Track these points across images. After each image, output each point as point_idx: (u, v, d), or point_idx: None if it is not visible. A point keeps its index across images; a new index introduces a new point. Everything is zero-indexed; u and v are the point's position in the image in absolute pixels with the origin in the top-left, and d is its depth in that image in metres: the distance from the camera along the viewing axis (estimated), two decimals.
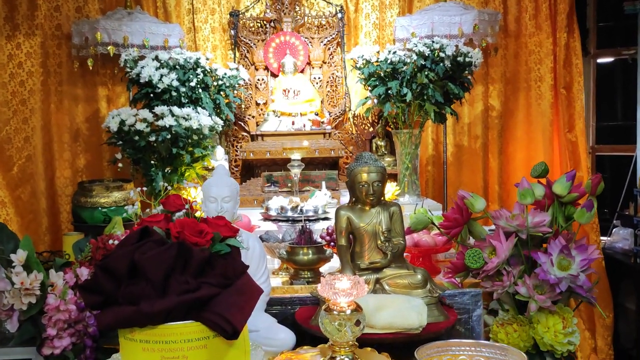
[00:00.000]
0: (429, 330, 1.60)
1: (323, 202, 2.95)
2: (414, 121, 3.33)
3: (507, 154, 4.03)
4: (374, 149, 3.71)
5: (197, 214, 1.44)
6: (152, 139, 2.86)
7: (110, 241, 2.33)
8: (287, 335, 1.65)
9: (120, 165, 2.97)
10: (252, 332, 1.55)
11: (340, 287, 1.36)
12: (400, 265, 1.74)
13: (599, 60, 4.49)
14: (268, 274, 1.76)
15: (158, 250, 1.29)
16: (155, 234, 1.35)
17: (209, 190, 1.73)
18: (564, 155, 3.96)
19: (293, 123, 3.57)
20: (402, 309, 1.56)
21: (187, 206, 1.42)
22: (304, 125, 3.58)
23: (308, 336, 1.72)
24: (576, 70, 3.92)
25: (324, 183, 3.23)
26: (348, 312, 1.36)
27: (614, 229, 4.12)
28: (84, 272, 2.24)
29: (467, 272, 2.33)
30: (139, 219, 2.98)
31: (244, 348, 1.32)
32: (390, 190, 3.17)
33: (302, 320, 1.72)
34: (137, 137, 2.89)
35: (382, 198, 1.77)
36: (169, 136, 2.86)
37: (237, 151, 3.72)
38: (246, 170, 3.69)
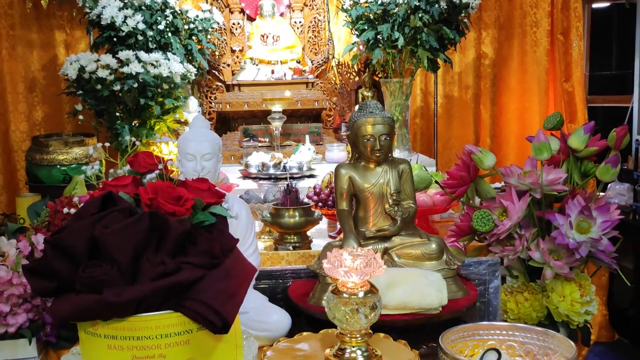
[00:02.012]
0: (448, 308, 1.36)
1: (308, 157, 2.68)
2: (405, 69, 3.05)
3: (500, 105, 3.78)
4: (360, 99, 3.43)
5: (173, 176, 1.17)
6: (117, 88, 2.54)
7: (71, 207, 2.05)
8: (281, 317, 1.40)
9: (81, 117, 2.66)
10: (240, 314, 1.29)
11: (352, 265, 1.11)
12: (411, 232, 1.49)
13: (594, 5, 4.23)
14: (256, 245, 1.49)
15: (125, 222, 1.02)
16: (122, 201, 1.08)
17: (186, 146, 1.44)
18: (559, 106, 3.72)
19: (273, 72, 3.27)
20: (418, 286, 1.32)
21: (160, 166, 1.14)
22: (285, 75, 3.27)
23: (303, 315, 1.48)
24: (574, 14, 3.66)
25: (307, 137, 2.95)
26: (361, 294, 1.12)
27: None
28: (40, 240, 1.96)
29: (472, 235, 2.10)
30: (101, 182, 2.68)
31: (234, 341, 1.07)
32: None
33: (297, 297, 1.47)
34: (99, 86, 2.57)
35: (390, 154, 1.51)
36: (135, 85, 2.55)
37: (211, 103, 3.41)
38: (221, 124, 3.39)
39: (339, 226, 2.47)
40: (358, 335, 1.13)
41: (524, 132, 3.77)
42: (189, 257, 1.05)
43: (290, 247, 2.25)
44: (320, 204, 2.39)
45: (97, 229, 1.01)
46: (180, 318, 1.00)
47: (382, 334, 1.23)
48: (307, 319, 1.47)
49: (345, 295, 1.12)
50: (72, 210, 1.58)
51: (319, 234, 2.43)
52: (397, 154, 3.07)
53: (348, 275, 1.10)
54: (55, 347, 2.07)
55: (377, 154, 1.47)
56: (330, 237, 2.40)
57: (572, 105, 3.69)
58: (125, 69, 2.55)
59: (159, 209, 1.07)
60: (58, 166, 2.26)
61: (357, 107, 1.49)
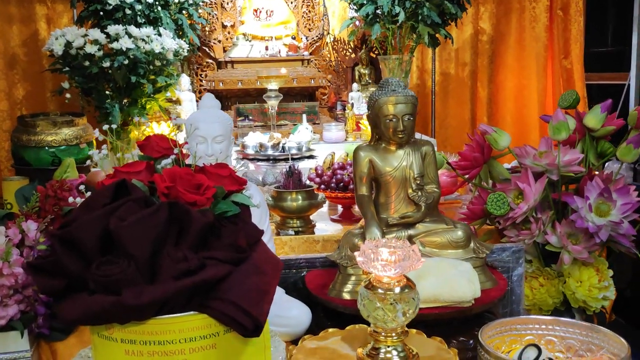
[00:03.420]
0: (479, 301, 1.28)
1: (307, 138, 2.57)
2: (405, 46, 2.94)
3: (497, 83, 3.69)
4: (356, 77, 3.32)
5: (190, 162, 1.06)
6: (106, 65, 2.41)
7: (63, 191, 1.93)
8: (301, 312, 1.30)
9: (68, 96, 2.52)
10: None
11: (389, 258, 1.01)
12: (435, 219, 1.40)
13: None
14: (271, 233, 1.39)
15: (142, 214, 0.91)
16: (136, 190, 0.97)
17: (197, 127, 1.33)
18: (557, 84, 3.65)
19: (267, 48, 3.14)
20: (449, 277, 1.23)
21: (176, 150, 1.03)
22: (279, 51, 3.15)
23: (320, 308, 1.38)
24: None
25: (304, 116, 2.84)
26: (397, 290, 1.02)
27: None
28: (32, 227, 1.84)
29: (484, 219, 2.02)
30: (92, 164, 2.54)
31: (263, 343, 0.97)
32: None
33: (315, 289, 1.37)
34: (87, 63, 2.43)
35: (412, 136, 1.41)
36: (126, 62, 2.42)
37: (201, 80, 3.28)
38: None
39: (340, 209, 2.37)
40: (394, 334, 1.04)
41: (522, 110, 3.69)
42: (212, 251, 0.94)
43: (292, 232, 2.14)
44: (322, 186, 2.29)
45: (111, 222, 0.90)
46: (206, 320, 0.90)
47: (414, 330, 1.15)
48: (325, 311, 1.38)
49: (380, 291, 1.02)
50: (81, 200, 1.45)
51: (321, 218, 2.33)
52: None
53: (386, 270, 1.00)
54: (48, 339, 1.97)
55: (400, 136, 1.37)
56: (333, 220, 2.31)
57: (570, 82, 3.62)
58: (115, 45, 2.41)
59: (177, 199, 0.97)
60: (46, 148, 2.13)
61: (379, 84, 1.39)
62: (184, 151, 1.12)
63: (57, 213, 1.93)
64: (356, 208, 2.36)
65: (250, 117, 2.87)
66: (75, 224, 0.92)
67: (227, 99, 3.08)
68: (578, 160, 1.86)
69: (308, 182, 2.27)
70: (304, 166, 2.46)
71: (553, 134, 1.89)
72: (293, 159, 2.41)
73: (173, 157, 1.02)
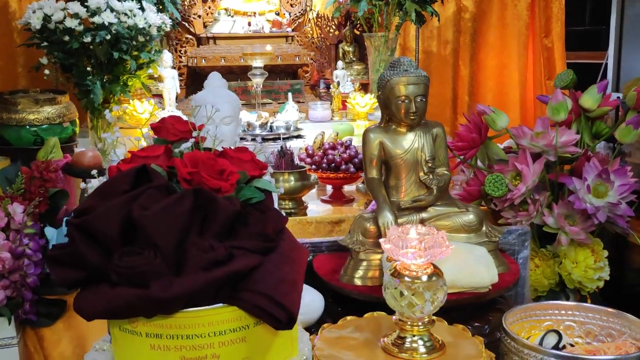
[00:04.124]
0: (495, 286, 1.26)
1: (295, 117, 2.52)
2: (391, 23, 2.90)
3: (478, 61, 3.67)
4: (340, 55, 3.26)
5: (208, 145, 1.01)
6: (88, 40, 2.31)
7: (49, 172, 1.86)
8: (314, 298, 1.26)
9: (46, 72, 2.42)
10: None
11: (419, 246, 0.98)
12: (446, 202, 1.38)
13: None
14: None
15: (166, 202, 0.86)
16: (157, 176, 0.92)
17: (202, 107, 1.27)
18: (538, 63, 3.64)
19: (249, 24, 3.06)
20: (466, 262, 1.21)
21: (195, 133, 0.98)
22: (262, 27, 3.07)
23: (329, 293, 1.35)
24: None
25: (290, 95, 2.79)
26: (424, 278, 0.99)
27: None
28: (18, 210, 1.78)
29: (480, 200, 2.01)
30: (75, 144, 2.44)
31: (290, 334, 0.94)
32: (369, 103, 2.77)
33: (325, 274, 1.34)
34: (67, 38, 2.33)
35: (423, 117, 1.38)
36: (108, 37, 2.32)
37: (180, 56, 3.19)
38: (192, 80, 3.18)
39: (330, 190, 2.34)
40: (420, 323, 1.01)
41: (502, 89, 3.68)
42: (239, 240, 0.90)
43: (284, 214, 2.10)
44: (314, 166, 2.25)
45: (134, 210, 0.85)
46: (235, 312, 0.86)
47: (434, 317, 1.12)
48: (334, 297, 1.35)
49: (407, 279, 0.99)
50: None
51: (310, 198, 2.29)
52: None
53: (416, 258, 0.97)
54: (35, 325, 1.90)
55: (412, 117, 1.33)
56: (324, 201, 2.27)
57: (551, 61, 3.61)
58: (96, 19, 2.31)
59: (200, 185, 0.92)
60: (28, 127, 2.04)
61: (390, 63, 1.35)
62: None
63: (44, 195, 1.86)
64: (346, 188, 2.33)
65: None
66: (95, 212, 0.87)
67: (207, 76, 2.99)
68: (574, 141, 1.86)
69: (299, 162, 2.22)
70: (293, 146, 2.42)
71: (552, 114, 1.88)
72: (281, 139, 2.36)
73: (192, 140, 0.97)
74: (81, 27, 2.32)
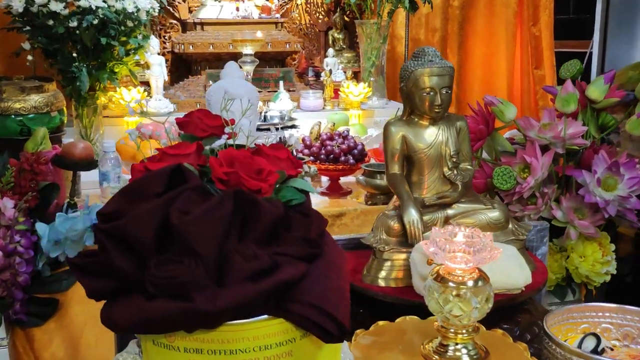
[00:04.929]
0: (528, 287, 1.21)
1: (289, 106, 2.45)
2: (383, 10, 2.84)
3: (466, 49, 3.63)
4: (330, 42, 3.19)
5: (241, 142, 0.93)
6: (74, 24, 2.21)
7: (39, 164, 1.76)
8: None
9: (30, 57, 2.31)
10: None
11: (468, 249, 0.93)
12: (471, 198, 1.32)
13: None
14: None
15: (206, 206, 0.79)
16: (192, 177, 0.84)
17: (220, 99, 1.19)
18: (525, 51, 3.62)
19: (237, 9, 2.96)
20: (501, 262, 1.14)
21: (228, 128, 0.91)
22: (251, 13, 2.98)
23: (351, 294, 1.29)
24: None
25: (281, 83, 2.71)
26: (470, 283, 0.94)
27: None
28: (8, 205, 1.68)
29: (485, 193, 1.97)
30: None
31: (334, 345, 0.88)
32: (362, 92, 2.70)
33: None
34: (51, 22, 2.22)
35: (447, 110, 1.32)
36: (95, 21, 2.22)
37: (165, 42, 3.08)
38: (176, 67, 3.08)
39: (327, 182, 2.27)
40: (464, 331, 0.96)
41: (489, 79, 3.66)
42: (281, 246, 0.83)
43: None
44: (311, 157, 2.18)
45: (173, 216, 0.78)
46: (282, 325, 0.80)
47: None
48: (355, 298, 1.29)
49: (451, 284, 0.94)
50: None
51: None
52: (374, 101, 2.88)
53: (464, 263, 0.92)
54: (25, 325, 1.82)
55: (437, 110, 1.27)
56: (322, 194, 2.21)
57: (538, 50, 3.60)
58: (82, 2, 2.21)
59: (238, 186, 0.85)
60: (13, 116, 1.93)
61: (412, 53, 1.28)
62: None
63: (34, 189, 1.77)
64: (342, 179, 2.27)
65: None
66: (128, 217, 0.79)
67: (197, 63, 2.90)
68: (582, 133, 1.82)
69: (296, 154, 2.16)
70: (288, 136, 2.34)
71: (562, 105, 1.84)
72: (277, 129, 2.29)
73: (226, 137, 0.90)
74: (66, 11, 2.22)
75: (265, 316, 0.79)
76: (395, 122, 1.31)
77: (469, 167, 1.34)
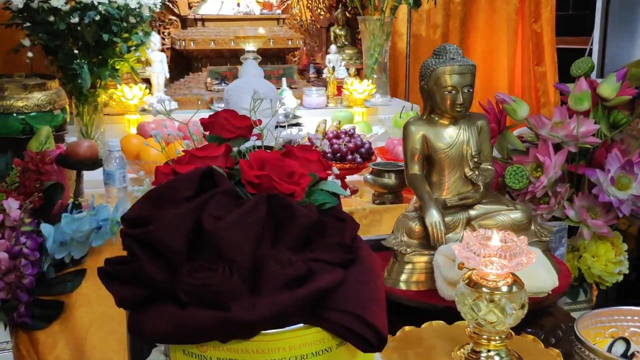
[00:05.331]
0: (554, 290, 1.19)
1: (293, 103, 2.42)
2: (386, 6, 2.80)
3: (467, 46, 3.60)
4: (332, 38, 3.16)
5: (269, 143, 0.90)
6: (75, 20, 2.16)
7: (45, 164, 1.72)
8: None
9: (29, 55, 2.26)
10: None
11: (502, 253, 0.90)
12: (492, 199, 1.30)
13: None
14: None
15: (241, 211, 0.76)
16: (223, 180, 0.81)
17: (240, 99, 1.16)
18: (527, 48, 3.59)
19: (238, 5, 2.92)
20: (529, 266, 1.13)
21: (256, 129, 0.88)
22: (252, 9, 2.94)
23: None
24: None
25: (284, 80, 2.67)
26: (504, 288, 0.92)
27: None
28: (13, 206, 1.64)
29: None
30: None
31: (368, 355, 0.85)
32: (366, 89, 2.67)
33: None
34: (52, 18, 2.18)
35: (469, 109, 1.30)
36: (97, 17, 2.18)
37: (164, 39, 3.03)
38: (175, 63, 3.03)
39: None
40: (497, 337, 0.93)
41: (490, 75, 3.63)
42: (316, 252, 0.81)
43: None
44: None
45: (206, 222, 0.75)
46: (319, 334, 0.77)
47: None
48: None
49: (485, 290, 0.91)
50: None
51: None
52: (377, 99, 2.85)
53: (500, 268, 0.89)
54: (29, 328, 1.78)
55: (458, 109, 1.25)
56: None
57: (540, 47, 3.57)
58: None
59: (270, 190, 0.82)
60: (15, 114, 1.89)
61: (433, 51, 1.25)
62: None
63: (39, 189, 1.73)
64: (348, 178, 2.24)
65: (227, 81, 2.68)
66: (158, 222, 0.76)
67: (197, 60, 2.86)
68: (594, 131, 1.80)
69: None
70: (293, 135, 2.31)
71: (575, 104, 1.82)
72: (281, 127, 2.24)
73: (254, 138, 0.86)
74: (67, 7, 2.17)
75: (301, 325, 0.77)
76: (415, 121, 1.29)
77: (489, 167, 1.32)
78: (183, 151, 0.86)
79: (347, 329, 0.76)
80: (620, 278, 1.89)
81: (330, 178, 0.93)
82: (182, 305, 0.74)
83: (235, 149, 0.87)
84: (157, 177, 0.89)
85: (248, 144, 0.85)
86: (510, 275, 0.93)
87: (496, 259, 0.89)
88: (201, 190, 0.80)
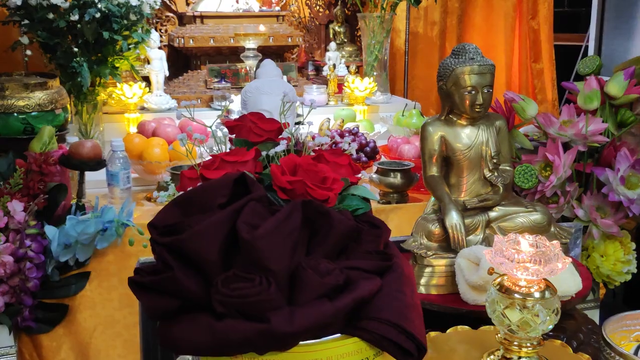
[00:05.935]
0: (577, 293, 1.18)
1: (296, 102, 2.39)
2: (386, 3, 2.78)
3: None
4: (331, 36, 3.13)
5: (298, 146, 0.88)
6: (75, 18, 2.12)
7: (48, 165, 1.69)
8: None
9: (29, 52, 2.22)
10: None
11: (535, 259, 0.89)
12: (511, 201, 1.28)
13: None
14: None
15: (277, 219, 0.74)
16: (256, 186, 0.79)
17: (258, 100, 1.13)
18: (524, 45, 3.59)
19: (237, 1, 2.89)
20: None
21: (286, 132, 0.85)
22: (251, 6, 2.91)
23: None
24: None
25: (285, 78, 2.65)
26: (537, 294, 0.90)
27: None
28: (18, 208, 1.61)
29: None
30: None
31: None
32: (368, 87, 2.65)
33: None
34: (52, 15, 2.14)
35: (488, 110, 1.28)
36: (97, 15, 2.14)
37: (161, 36, 2.99)
38: (173, 61, 2.99)
39: None
40: (529, 344, 0.92)
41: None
42: (352, 260, 0.79)
43: None
44: None
45: (242, 230, 0.72)
46: (357, 344, 0.75)
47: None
48: None
49: (517, 295, 0.90)
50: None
51: None
52: (378, 96, 2.83)
53: (535, 274, 0.88)
54: (32, 332, 1.75)
55: (478, 110, 1.23)
56: None
57: (537, 43, 3.56)
58: None
59: (303, 196, 0.80)
60: (16, 114, 1.85)
61: (452, 50, 1.23)
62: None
63: (43, 190, 1.69)
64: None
65: (226, 79, 2.65)
66: (191, 230, 0.73)
67: (196, 57, 2.83)
68: (602, 130, 1.80)
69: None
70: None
71: (584, 102, 1.81)
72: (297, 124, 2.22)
73: (285, 142, 0.84)
74: (67, 4, 2.14)
75: (339, 335, 0.75)
76: (433, 121, 1.27)
77: (508, 168, 1.30)
78: (211, 155, 0.83)
79: (386, 339, 0.74)
80: (629, 277, 1.89)
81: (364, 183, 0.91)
82: (218, 317, 0.72)
83: (263, 153, 0.85)
84: (182, 181, 0.87)
85: (279, 148, 0.83)
86: (543, 280, 0.92)
87: (530, 264, 0.88)
88: (234, 197, 0.78)
